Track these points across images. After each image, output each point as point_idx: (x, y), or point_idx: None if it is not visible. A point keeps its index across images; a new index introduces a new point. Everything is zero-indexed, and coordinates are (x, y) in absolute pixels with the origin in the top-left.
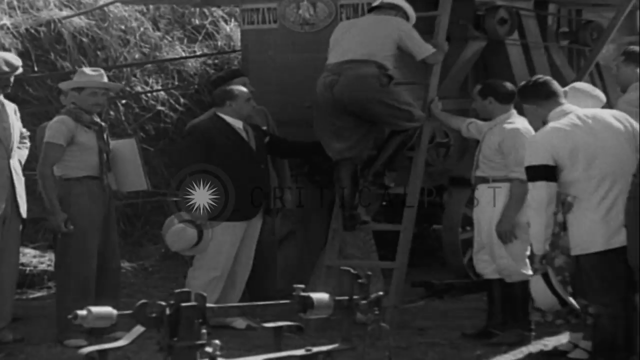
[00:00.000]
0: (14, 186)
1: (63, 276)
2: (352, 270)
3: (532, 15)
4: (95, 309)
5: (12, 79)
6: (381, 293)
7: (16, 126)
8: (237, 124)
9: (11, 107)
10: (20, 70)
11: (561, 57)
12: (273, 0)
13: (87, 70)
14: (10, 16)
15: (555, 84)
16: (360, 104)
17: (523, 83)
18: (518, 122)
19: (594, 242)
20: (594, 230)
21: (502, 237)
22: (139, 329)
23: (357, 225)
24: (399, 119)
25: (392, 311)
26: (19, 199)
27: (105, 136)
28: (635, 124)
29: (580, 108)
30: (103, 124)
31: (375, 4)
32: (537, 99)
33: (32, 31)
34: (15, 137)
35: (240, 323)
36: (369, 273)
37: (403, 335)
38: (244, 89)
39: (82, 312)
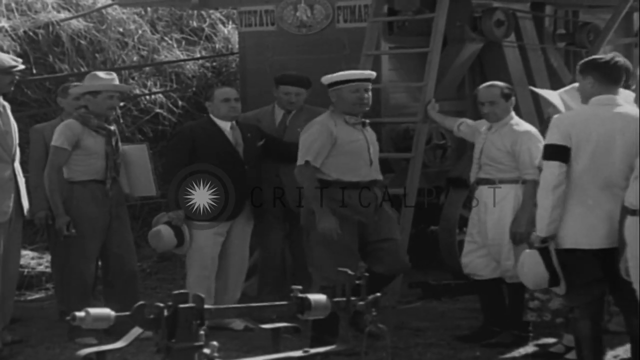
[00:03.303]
0: (19, 188)
1: (64, 277)
2: (349, 272)
3: (529, 17)
4: (93, 311)
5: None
6: (379, 294)
7: (16, 127)
8: (224, 124)
9: (7, 107)
10: (21, 67)
11: (558, 58)
12: (270, 2)
13: (101, 73)
14: (9, 18)
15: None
16: None
17: (602, 57)
18: (524, 123)
19: (580, 239)
20: (583, 228)
21: (516, 238)
22: (137, 331)
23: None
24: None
25: (390, 312)
26: (23, 201)
27: (114, 141)
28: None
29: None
30: (112, 128)
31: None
32: (607, 80)
33: (30, 33)
34: (16, 138)
35: (238, 324)
36: (366, 274)
37: (401, 336)
38: (226, 89)
39: (81, 314)
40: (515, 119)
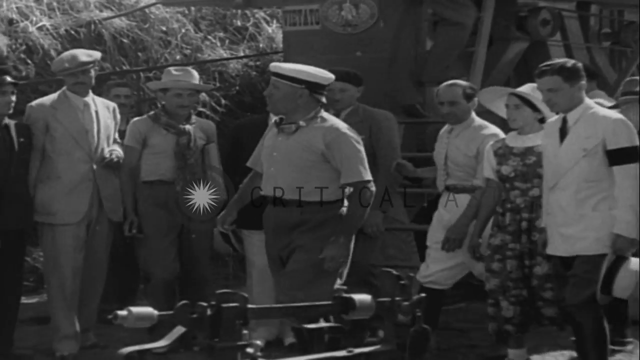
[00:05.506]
0: (98, 190)
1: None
2: (393, 272)
3: (575, 16)
4: (135, 310)
5: (87, 77)
6: (423, 294)
7: (109, 127)
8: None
9: (102, 106)
10: (88, 65)
11: (603, 58)
12: (315, 1)
13: (172, 69)
14: (50, 17)
15: None
16: None
17: (576, 63)
18: (490, 125)
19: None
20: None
21: (448, 244)
22: (179, 330)
23: None
24: None
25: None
26: (105, 203)
27: (185, 140)
28: None
29: None
30: (188, 127)
31: None
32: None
33: (72, 32)
34: (102, 138)
35: (289, 339)
36: (411, 274)
37: (444, 336)
38: None
39: (123, 313)
40: (478, 121)
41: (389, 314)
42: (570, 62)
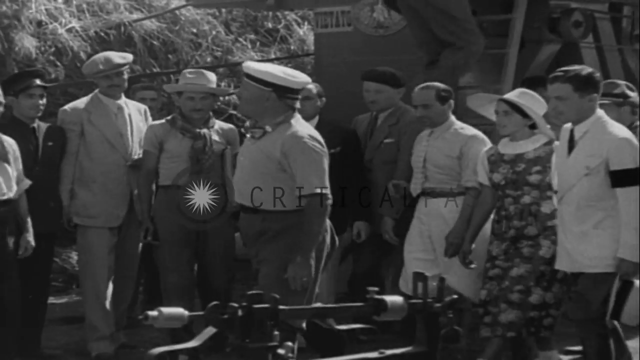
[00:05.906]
0: (132, 193)
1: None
2: (425, 273)
3: (607, 17)
4: (166, 310)
5: (120, 79)
6: (455, 296)
7: (142, 130)
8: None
9: (134, 109)
10: (122, 67)
11: (635, 60)
12: (347, 3)
13: (187, 72)
14: (79, 19)
15: None
16: None
17: (592, 73)
18: (470, 127)
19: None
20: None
21: (450, 250)
22: (210, 330)
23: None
24: None
25: (465, 314)
26: (135, 205)
27: (201, 144)
28: None
29: None
30: (204, 131)
31: None
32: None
33: (102, 34)
34: (136, 141)
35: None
36: (444, 276)
37: (475, 338)
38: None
39: (153, 313)
40: (459, 123)
41: (421, 316)
42: (585, 71)
